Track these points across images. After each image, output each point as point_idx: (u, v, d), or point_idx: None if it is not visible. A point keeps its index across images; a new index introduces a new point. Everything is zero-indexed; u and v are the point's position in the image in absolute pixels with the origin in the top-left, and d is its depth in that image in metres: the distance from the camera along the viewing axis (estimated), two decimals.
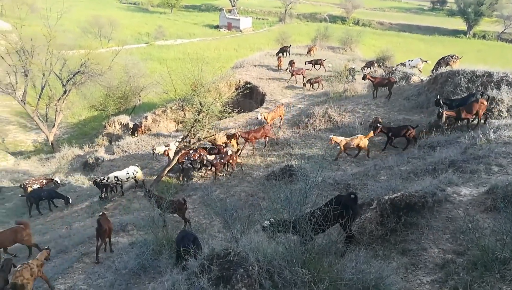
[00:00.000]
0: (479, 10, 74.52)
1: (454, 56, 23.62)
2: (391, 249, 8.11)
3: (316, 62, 32.87)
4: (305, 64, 32.25)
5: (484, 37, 73.92)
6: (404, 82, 24.46)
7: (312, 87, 27.95)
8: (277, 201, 7.87)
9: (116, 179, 17.45)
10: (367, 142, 16.51)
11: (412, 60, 29.13)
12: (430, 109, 18.78)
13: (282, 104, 23.13)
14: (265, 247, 7.01)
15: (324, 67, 32.48)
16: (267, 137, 19.67)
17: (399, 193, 9.15)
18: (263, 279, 6.37)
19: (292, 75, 29.70)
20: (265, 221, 9.17)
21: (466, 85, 18.01)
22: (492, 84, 17.30)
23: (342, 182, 13.62)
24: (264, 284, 6.35)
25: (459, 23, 77.60)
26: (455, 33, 76.05)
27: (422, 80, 23.92)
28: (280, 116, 22.05)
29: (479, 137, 13.06)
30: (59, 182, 20.36)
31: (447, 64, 23.10)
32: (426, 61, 28.58)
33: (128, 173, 17.57)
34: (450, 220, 8.48)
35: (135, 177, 17.74)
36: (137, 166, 18.23)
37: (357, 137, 16.53)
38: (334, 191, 13.28)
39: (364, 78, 23.21)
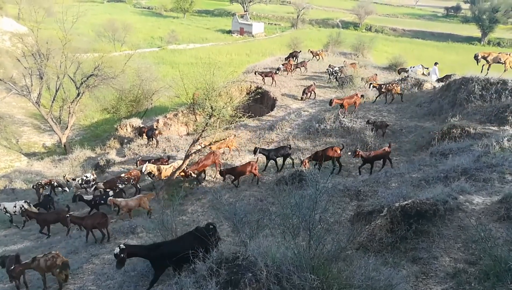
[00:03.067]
0: (494, 17, 73.52)
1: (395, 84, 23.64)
2: (401, 257, 8.02)
3: (302, 64, 33.06)
4: (285, 66, 32.19)
5: (499, 44, 72.77)
6: (416, 88, 24.31)
7: (308, 97, 26.90)
8: (287, 206, 7.84)
9: (4, 209, 17.37)
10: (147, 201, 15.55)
11: (413, 67, 31.30)
12: (442, 116, 18.60)
13: (235, 136, 21.00)
14: (274, 251, 6.98)
15: (306, 69, 32.90)
16: (217, 164, 18.30)
17: (410, 201, 9.05)
18: (271, 284, 6.34)
19: (262, 78, 29.77)
20: (115, 248, 9.24)
21: (480, 92, 17.81)
22: (507, 91, 17.11)
23: (353, 189, 13.56)
24: (272, 288, 6.32)
25: (473, 30, 76.63)
26: (469, 40, 75.14)
27: (434, 87, 23.79)
28: (228, 146, 19.91)
29: (492, 145, 12.88)
30: (67, 190, 20.58)
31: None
32: (427, 68, 30.88)
33: (15, 207, 17.41)
34: (462, 229, 8.36)
35: (21, 212, 17.22)
36: (27, 202, 17.62)
37: (138, 197, 15.74)
38: (344, 197, 13.22)
39: (330, 103, 21.53)
